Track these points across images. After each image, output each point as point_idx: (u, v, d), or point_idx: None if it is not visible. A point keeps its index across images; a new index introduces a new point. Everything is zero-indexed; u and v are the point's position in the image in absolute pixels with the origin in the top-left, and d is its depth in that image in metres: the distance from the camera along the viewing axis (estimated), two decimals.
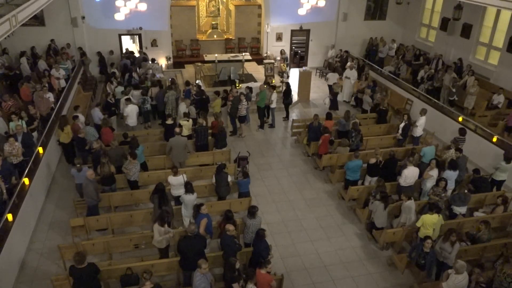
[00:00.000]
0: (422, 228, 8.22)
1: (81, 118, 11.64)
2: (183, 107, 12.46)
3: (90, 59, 17.40)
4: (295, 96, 16.23)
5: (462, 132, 11.15)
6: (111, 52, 17.51)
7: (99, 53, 17.48)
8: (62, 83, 14.47)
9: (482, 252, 8.24)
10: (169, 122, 11.70)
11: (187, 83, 14.12)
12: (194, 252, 7.00)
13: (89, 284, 6.70)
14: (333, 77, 16.66)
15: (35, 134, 11.11)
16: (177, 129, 10.78)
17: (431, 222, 8.12)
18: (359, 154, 10.28)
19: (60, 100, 13.20)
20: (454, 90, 14.06)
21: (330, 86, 15.81)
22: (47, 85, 13.16)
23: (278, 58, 18.72)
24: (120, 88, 13.82)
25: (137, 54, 17.45)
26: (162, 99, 13.24)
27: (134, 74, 15.27)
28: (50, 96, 12.81)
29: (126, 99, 12.60)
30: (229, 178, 9.46)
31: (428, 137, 12.53)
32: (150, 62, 16.65)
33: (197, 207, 8.00)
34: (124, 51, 17.83)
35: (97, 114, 12.29)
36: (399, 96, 15.26)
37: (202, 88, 14.29)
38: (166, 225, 7.71)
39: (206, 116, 12.95)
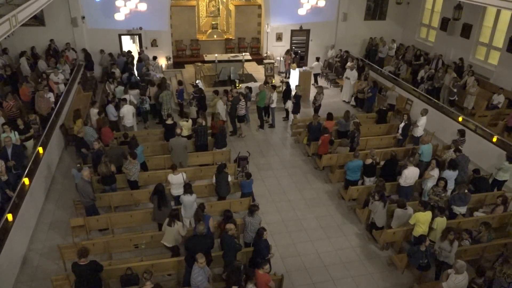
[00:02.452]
0: (416, 227, 8.22)
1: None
2: (220, 105, 12.44)
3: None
4: None
5: (462, 133, 11.12)
6: (102, 51, 17.45)
7: (84, 50, 17.30)
8: (62, 87, 14.23)
9: (482, 252, 8.25)
10: (169, 122, 11.70)
11: (180, 83, 14.12)
12: (201, 251, 7.02)
13: (90, 282, 6.72)
14: (317, 66, 17.08)
15: (30, 142, 10.78)
16: (178, 130, 10.78)
17: (424, 220, 8.14)
18: (359, 154, 10.28)
19: (60, 100, 13.18)
20: (455, 90, 14.06)
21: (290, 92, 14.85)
22: (46, 88, 13.08)
23: (281, 58, 18.68)
24: (121, 88, 13.82)
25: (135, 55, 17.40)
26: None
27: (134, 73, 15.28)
28: (51, 96, 12.75)
29: (122, 99, 12.58)
30: (229, 178, 9.46)
31: (427, 136, 12.50)
32: (151, 60, 16.69)
33: (201, 208, 7.95)
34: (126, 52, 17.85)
35: (112, 110, 12.34)
36: (399, 96, 15.24)
37: (200, 87, 14.28)
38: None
39: (206, 116, 12.94)
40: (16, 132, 10.42)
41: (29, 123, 11.10)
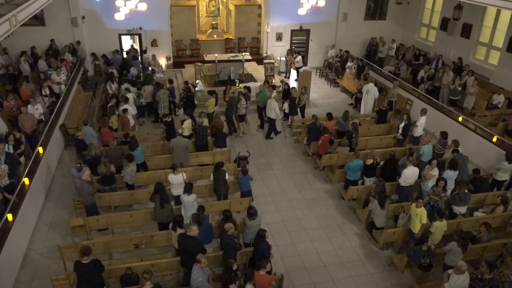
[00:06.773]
0: (416, 221, 8.22)
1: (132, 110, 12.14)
2: (274, 104, 12.58)
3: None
4: None
5: (444, 135, 10.99)
6: (78, 43, 17.48)
7: (71, 44, 17.24)
8: (63, 87, 14.09)
9: (482, 252, 8.25)
10: (168, 120, 11.69)
11: (170, 81, 14.19)
12: (193, 252, 7.01)
13: (92, 280, 6.72)
14: (300, 60, 17.30)
15: (22, 159, 10.20)
16: (179, 130, 10.78)
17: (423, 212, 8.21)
18: (360, 154, 10.28)
19: (60, 100, 13.16)
20: (460, 88, 14.06)
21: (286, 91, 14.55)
22: (47, 89, 12.97)
23: (283, 58, 18.69)
24: (125, 86, 13.86)
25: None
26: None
27: (133, 70, 15.25)
28: (39, 108, 11.82)
29: (124, 98, 12.57)
30: (227, 176, 9.47)
31: (427, 136, 12.50)
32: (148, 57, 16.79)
33: (201, 210, 7.87)
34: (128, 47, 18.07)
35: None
36: (399, 96, 15.23)
37: (194, 86, 14.31)
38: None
39: (206, 116, 12.94)
40: (10, 146, 9.85)
41: (20, 140, 10.38)
